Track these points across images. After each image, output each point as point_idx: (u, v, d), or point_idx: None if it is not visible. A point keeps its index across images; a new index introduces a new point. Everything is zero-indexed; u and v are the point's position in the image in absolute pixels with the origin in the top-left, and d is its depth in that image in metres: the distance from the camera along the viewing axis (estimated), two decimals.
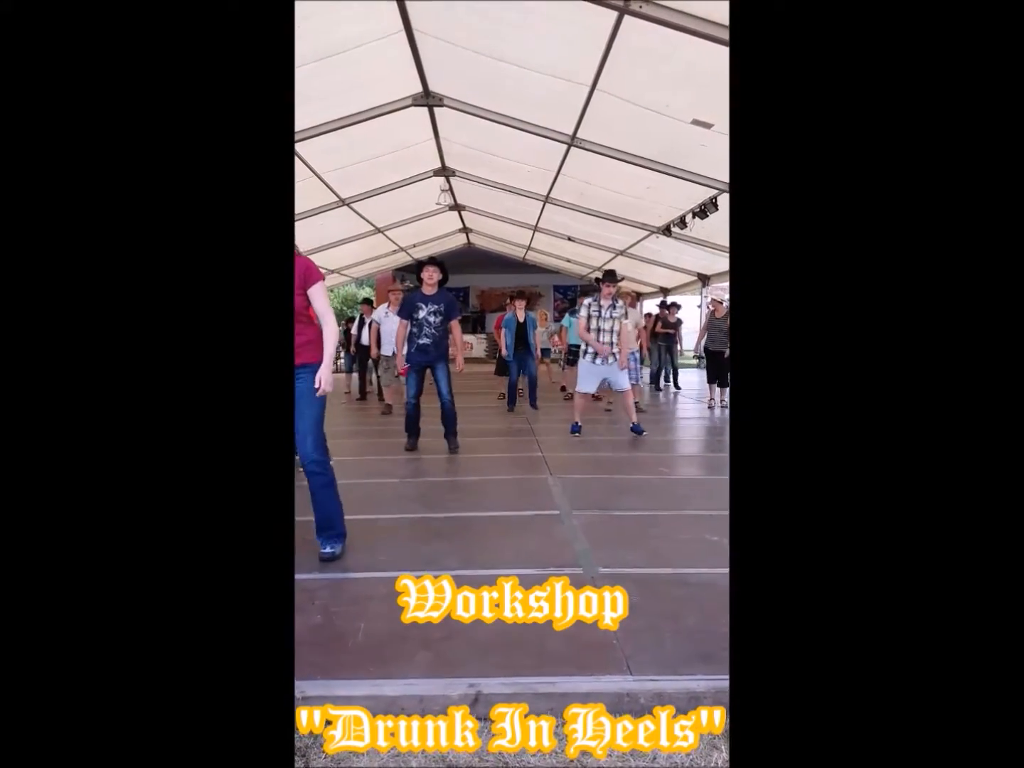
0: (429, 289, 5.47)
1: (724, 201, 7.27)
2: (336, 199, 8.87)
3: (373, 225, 10.81)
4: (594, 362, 6.22)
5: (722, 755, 1.70)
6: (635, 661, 2.06)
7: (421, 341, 5.47)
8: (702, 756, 1.71)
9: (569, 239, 11.85)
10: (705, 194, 7.38)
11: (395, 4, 4.88)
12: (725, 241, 9.04)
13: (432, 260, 5.63)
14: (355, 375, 10.27)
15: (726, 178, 6.85)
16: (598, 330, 6.15)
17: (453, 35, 5.39)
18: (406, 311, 5.53)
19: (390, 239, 12.21)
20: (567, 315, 10.33)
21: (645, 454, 5.95)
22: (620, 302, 6.31)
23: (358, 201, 9.29)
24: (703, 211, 7.62)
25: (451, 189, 10.05)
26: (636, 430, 6.40)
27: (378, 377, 9.67)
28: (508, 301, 9.30)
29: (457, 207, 11.30)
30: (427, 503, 4.12)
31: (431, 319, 5.44)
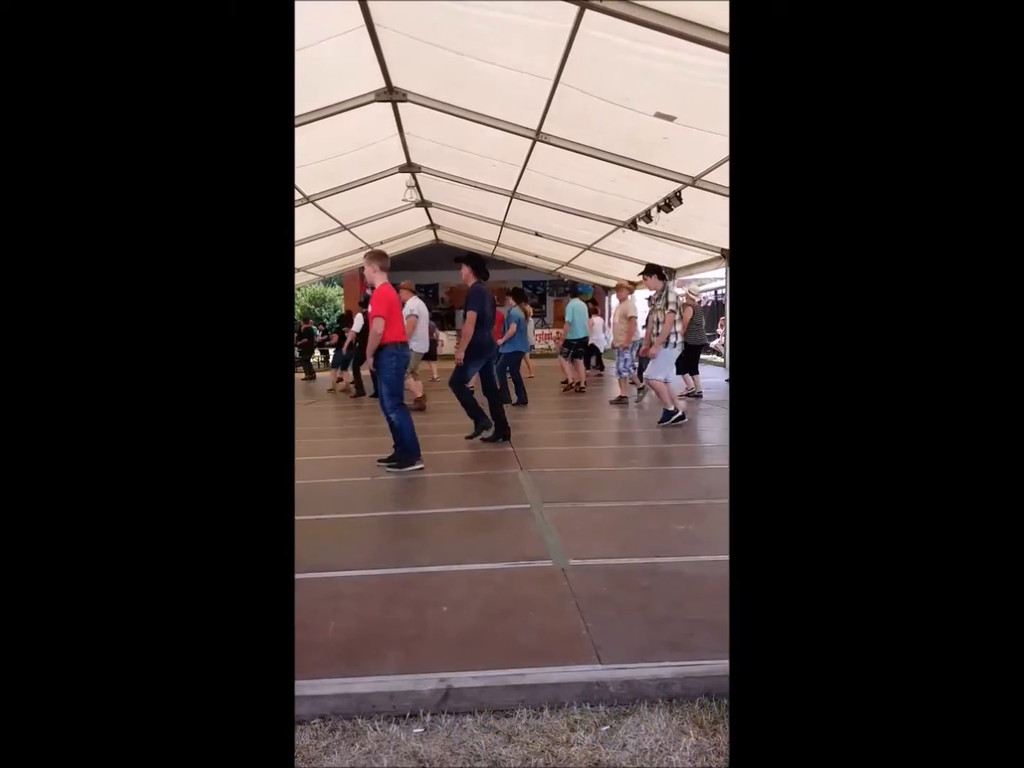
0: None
1: (688, 195, 7.34)
2: (301, 196, 8.77)
3: (339, 222, 10.72)
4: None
5: (690, 740, 1.73)
6: (604, 651, 2.08)
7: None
8: (671, 742, 1.73)
9: (537, 234, 11.87)
10: (669, 188, 7.44)
11: (356, 0, 4.84)
12: (690, 235, 9.14)
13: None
14: (349, 371, 10.26)
15: (690, 172, 6.93)
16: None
17: (415, 30, 5.36)
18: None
19: (357, 236, 12.12)
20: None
21: (614, 447, 6.00)
22: (663, 293, 6.47)
23: (323, 198, 9.20)
24: (668, 205, 7.69)
25: (417, 185, 10.00)
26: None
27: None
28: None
29: (424, 203, 11.25)
30: (397, 500, 4.11)
31: None
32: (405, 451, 4.76)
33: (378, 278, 4.92)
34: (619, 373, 8.59)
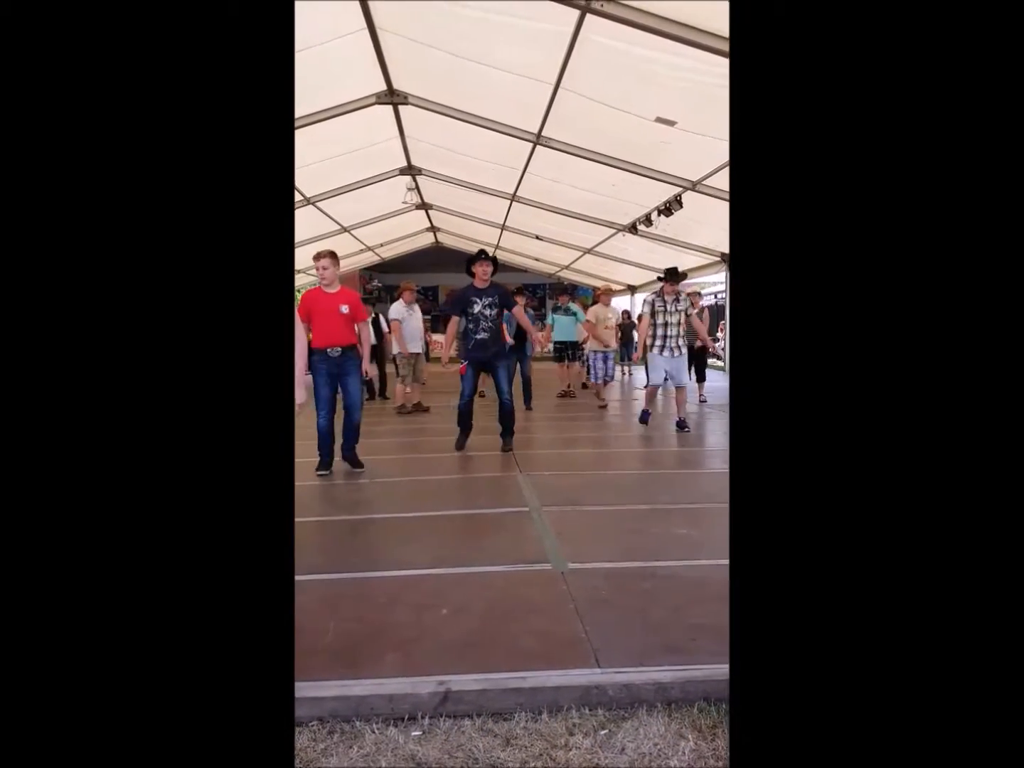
0: (482, 283, 5.46)
1: (688, 199, 7.34)
2: (301, 198, 8.78)
3: (339, 224, 10.71)
4: (661, 354, 6.38)
5: (689, 744, 1.72)
6: (603, 654, 2.07)
7: (479, 336, 5.43)
8: (670, 746, 1.73)
9: (537, 238, 11.88)
10: (669, 192, 7.45)
11: (357, 2, 4.84)
12: (690, 239, 9.15)
13: (485, 254, 5.59)
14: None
15: (690, 176, 6.93)
16: (665, 324, 6.36)
17: (416, 33, 5.37)
18: (460, 307, 5.49)
19: (357, 238, 12.12)
20: (551, 314, 10.46)
21: (614, 450, 6.00)
22: (683, 295, 6.53)
23: (323, 200, 9.21)
24: (668, 209, 7.69)
25: (418, 188, 10.01)
26: (681, 425, 6.48)
27: (379, 375, 9.68)
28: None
29: (424, 206, 11.25)
30: (396, 502, 4.10)
31: (487, 312, 5.43)
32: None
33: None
34: (597, 378, 8.66)
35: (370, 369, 4.77)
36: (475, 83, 5.99)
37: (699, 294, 9.35)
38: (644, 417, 6.76)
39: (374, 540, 3.48)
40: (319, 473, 4.74)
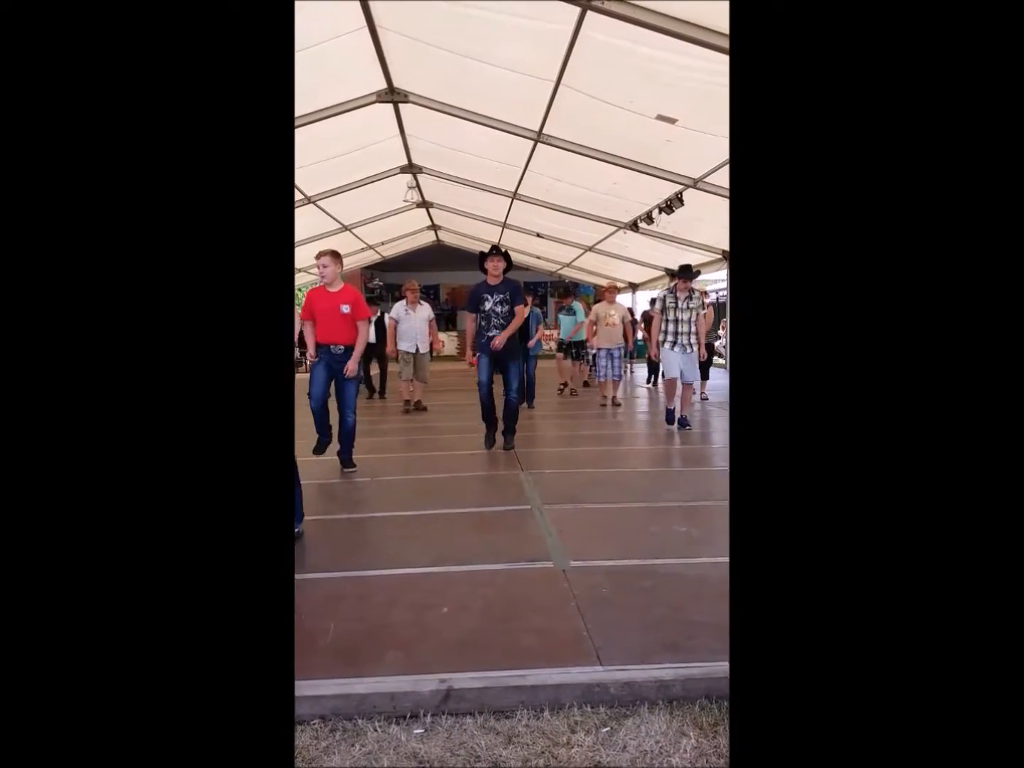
0: (494, 280, 5.43)
1: (689, 197, 7.34)
2: (302, 197, 8.78)
3: (340, 223, 10.71)
4: (673, 350, 6.40)
5: (691, 742, 1.73)
6: (605, 652, 2.08)
7: (491, 333, 5.40)
8: (671, 743, 1.73)
9: (538, 235, 11.87)
10: (670, 189, 7.44)
11: (357, 1, 4.84)
12: (691, 236, 9.13)
13: (496, 250, 5.54)
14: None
15: (691, 173, 6.92)
16: (676, 320, 6.38)
17: (417, 31, 5.36)
18: (473, 304, 5.51)
19: (358, 237, 12.12)
20: (558, 314, 10.46)
21: (616, 448, 6.00)
22: (696, 294, 6.54)
23: (324, 199, 9.21)
24: (669, 206, 7.68)
25: (418, 186, 10.00)
26: (682, 423, 6.45)
27: (380, 374, 9.70)
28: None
29: (425, 204, 11.24)
30: (397, 501, 4.10)
31: (498, 309, 5.40)
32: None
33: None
34: (601, 376, 8.65)
35: (351, 365, 4.70)
36: (476, 81, 5.98)
37: (706, 292, 9.29)
38: (670, 417, 6.58)
39: (375, 538, 3.48)
40: (316, 455, 4.85)
